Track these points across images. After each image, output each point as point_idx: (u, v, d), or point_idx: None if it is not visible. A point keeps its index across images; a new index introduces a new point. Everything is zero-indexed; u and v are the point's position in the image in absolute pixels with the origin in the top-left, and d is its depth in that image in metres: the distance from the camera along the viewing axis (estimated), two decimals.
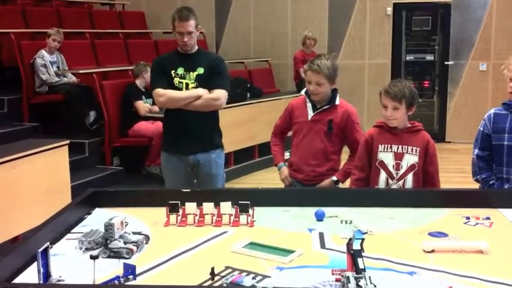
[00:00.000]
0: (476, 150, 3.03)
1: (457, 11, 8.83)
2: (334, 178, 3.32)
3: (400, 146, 2.92)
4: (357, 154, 3.10)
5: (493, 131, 2.95)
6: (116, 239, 2.03)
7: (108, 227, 2.03)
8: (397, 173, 2.92)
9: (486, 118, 2.99)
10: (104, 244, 2.04)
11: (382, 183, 2.94)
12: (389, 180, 2.92)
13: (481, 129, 3.01)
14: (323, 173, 3.33)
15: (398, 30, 9.09)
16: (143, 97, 6.40)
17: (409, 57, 9.15)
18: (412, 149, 2.91)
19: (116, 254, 2.00)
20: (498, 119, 2.94)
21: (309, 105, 3.33)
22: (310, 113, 3.32)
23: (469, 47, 8.84)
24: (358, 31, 9.21)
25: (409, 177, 2.90)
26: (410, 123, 2.99)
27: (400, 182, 2.92)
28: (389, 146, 2.93)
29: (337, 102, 3.31)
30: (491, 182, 2.97)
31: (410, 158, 2.91)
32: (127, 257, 2.00)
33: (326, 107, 3.30)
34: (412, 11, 9.07)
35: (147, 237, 2.16)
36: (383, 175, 2.94)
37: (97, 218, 2.45)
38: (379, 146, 2.95)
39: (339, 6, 9.23)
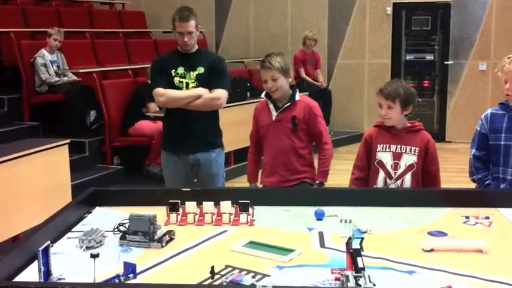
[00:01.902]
0: (473, 150, 3.03)
1: (456, 11, 8.83)
2: (317, 182, 3.37)
3: (398, 146, 2.92)
4: (357, 154, 3.11)
5: (490, 130, 2.95)
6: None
7: (154, 219, 2.10)
8: (395, 173, 2.92)
9: (483, 118, 2.99)
10: (152, 238, 2.09)
11: (380, 183, 2.95)
12: (388, 180, 2.93)
13: (478, 129, 3.01)
14: (297, 169, 3.34)
15: (398, 30, 9.10)
16: None
17: (409, 57, 9.15)
18: (410, 149, 2.91)
19: (168, 240, 2.12)
20: (495, 119, 2.94)
21: (271, 106, 3.38)
22: (274, 114, 3.37)
23: (468, 47, 8.84)
24: (357, 31, 9.21)
25: (407, 177, 2.91)
26: (410, 122, 2.99)
27: (398, 182, 2.92)
28: (387, 145, 2.94)
29: (297, 98, 3.36)
30: (487, 182, 2.97)
31: (409, 158, 2.91)
32: (174, 237, 2.16)
33: (287, 104, 3.34)
34: (411, 10, 9.08)
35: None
36: (381, 175, 2.94)
37: (97, 217, 2.46)
38: (378, 145, 2.96)
39: (339, 6, 9.24)
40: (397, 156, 2.92)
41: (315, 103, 3.45)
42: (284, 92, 3.34)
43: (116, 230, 2.19)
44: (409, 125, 2.98)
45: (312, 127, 3.35)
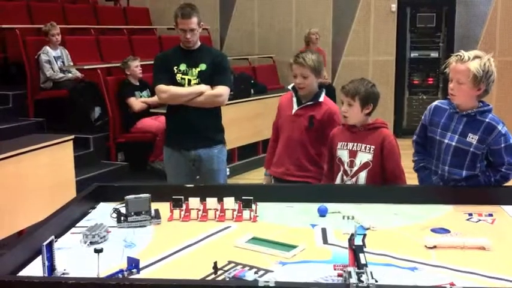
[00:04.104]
0: (415, 136, 2.99)
1: (461, 8, 8.80)
2: None
3: (355, 144, 2.90)
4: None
5: (429, 122, 2.87)
6: None
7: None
8: (351, 170, 2.90)
9: (428, 108, 2.91)
10: (153, 216, 2.32)
11: (338, 179, 2.94)
12: (344, 177, 2.92)
13: (422, 118, 2.95)
14: (304, 166, 3.30)
15: (402, 27, 9.06)
16: (137, 93, 6.38)
17: (414, 54, 9.12)
18: (365, 147, 2.88)
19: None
20: (437, 112, 2.85)
21: (295, 99, 3.37)
22: (295, 107, 3.36)
23: (473, 44, 8.79)
24: (362, 28, 9.19)
25: (362, 174, 2.87)
26: (372, 120, 2.97)
27: (354, 179, 2.88)
28: (345, 143, 2.93)
29: (321, 99, 3.34)
30: (421, 165, 2.92)
31: (364, 156, 2.87)
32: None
33: (310, 103, 3.33)
34: (416, 7, 9.05)
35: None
36: (340, 172, 2.94)
37: (101, 213, 2.48)
38: (338, 143, 2.96)
39: (343, 3, 9.21)
40: (352, 154, 2.90)
41: (337, 109, 3.37)
42: (311, 90, 3.33)
43: (114, 214, 2.27)
44: (370, 122, 2.96)
45: (325, 131, 3.30)
